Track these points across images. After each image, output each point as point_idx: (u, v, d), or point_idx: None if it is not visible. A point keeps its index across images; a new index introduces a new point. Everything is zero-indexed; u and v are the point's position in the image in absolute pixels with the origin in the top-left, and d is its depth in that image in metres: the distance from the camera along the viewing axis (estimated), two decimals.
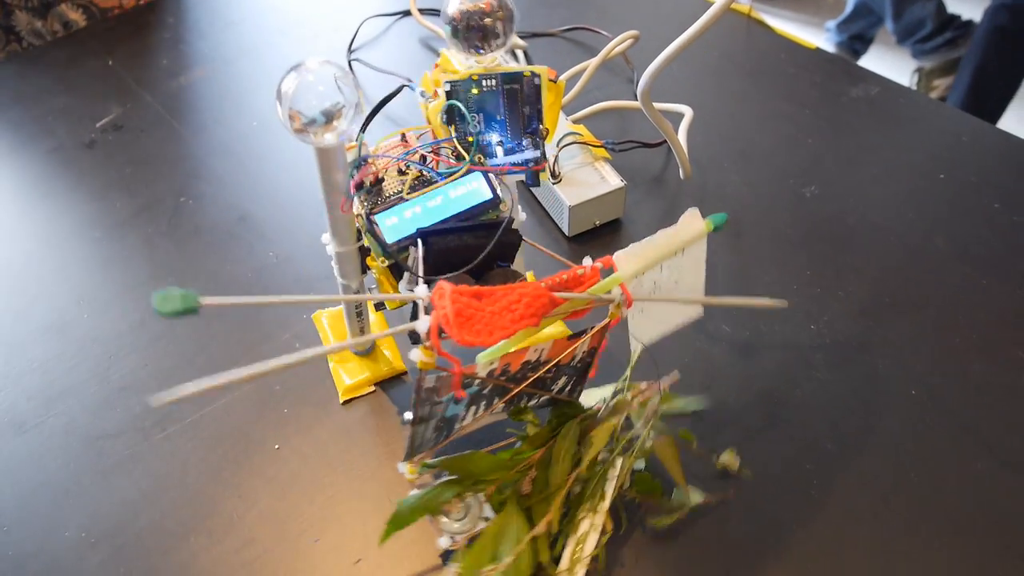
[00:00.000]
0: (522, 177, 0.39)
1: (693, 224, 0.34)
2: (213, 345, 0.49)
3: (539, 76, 0.37)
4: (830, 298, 0.50)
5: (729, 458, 0.41)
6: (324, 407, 0.45)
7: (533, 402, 0.39)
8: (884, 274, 0.51)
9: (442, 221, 0.36)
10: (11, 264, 0.55)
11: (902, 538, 0.38)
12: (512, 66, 0.38)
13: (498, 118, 0.38)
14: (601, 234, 0.55)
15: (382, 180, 0.37)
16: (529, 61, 0.70)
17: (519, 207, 0.39)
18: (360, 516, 0.40)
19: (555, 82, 0.45)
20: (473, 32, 0.36)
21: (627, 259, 0.33)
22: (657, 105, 0.64)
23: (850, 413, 0.44)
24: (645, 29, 0.68)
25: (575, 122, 0.60)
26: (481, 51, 0.37)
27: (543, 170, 0.39)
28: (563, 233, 0.55)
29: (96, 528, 0.40)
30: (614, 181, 0.53)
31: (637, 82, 0.66)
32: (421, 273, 0.34)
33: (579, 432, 0.38)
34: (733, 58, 0.71)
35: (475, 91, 0.37)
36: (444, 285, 0.28)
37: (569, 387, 0.39)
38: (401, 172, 0.38)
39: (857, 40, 1.80)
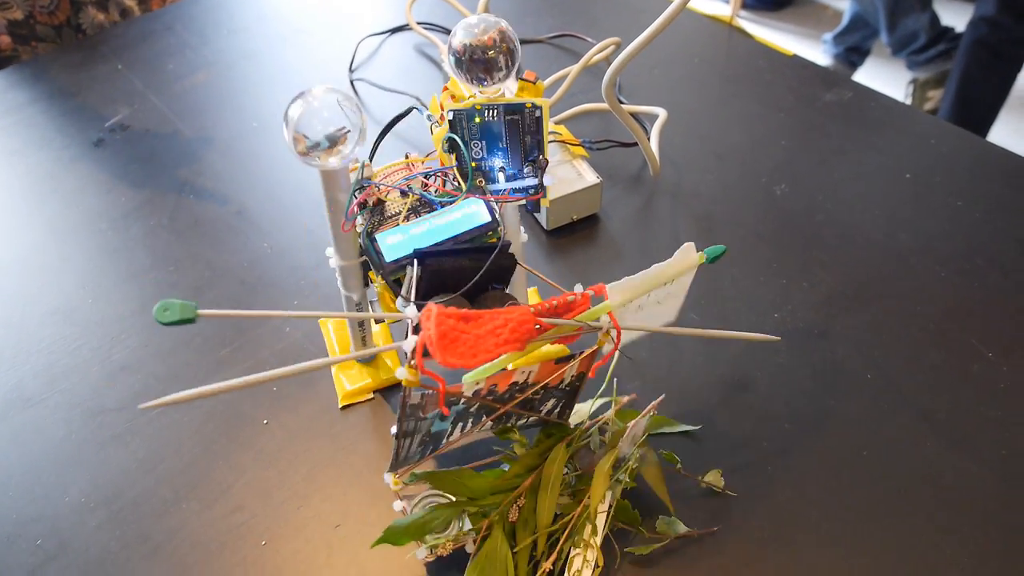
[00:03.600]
0: (523, 201, 0.40)
1: (687, 258, 0.36)
2: (209, 328, 0.52)
3: (540, 108, 0.38)
4: (794, 289, 0.52)
5: (714, 477, 0.41)
6: (312, 387, 0.48)
7: (522, 422, 0.39)
8: (847, 267, 0.54)
9: (440, 243, 0.37)
10: (22, 253, 0.58)
11: (851, 513, 0.41)
12: (514, 98, 0.39)
13: (500, 145, 0.39)
14: (578, 229, 0.58)
15: (385, 201, 0.39)
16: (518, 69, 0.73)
17: (521, 229, 0.41)
18: (341, 485, 0.43)
19: (534, 83, 0.49)
20: (476, 65, 0.37)
21: (618, 290, 0.34)
22: (633, 107, 0.67)
23: (808, 395, 0.46)
24: (629, 36, 0.71)
25: (556, 123, 0.63)
26: (484, 83, 0.38)
27: (542, 197, 0.40)
28: (542, 227, 0.57)
29: (95, 494, 0.43)
30: (591, 178, 0.56)
31: (618, 86, 0.69)
32: (413, 295, 0.35)
33: (567, 456, 0.39)
34: (713, 64, 0.74)
35: (478, 120, 0.38)
36: (432, 307, 0.29)
37: (558, 409, 0.40)
38: (403, 194, 0.39)
39: (853, 52, 1.83)
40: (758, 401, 0.46)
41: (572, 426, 0.41)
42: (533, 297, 0.51)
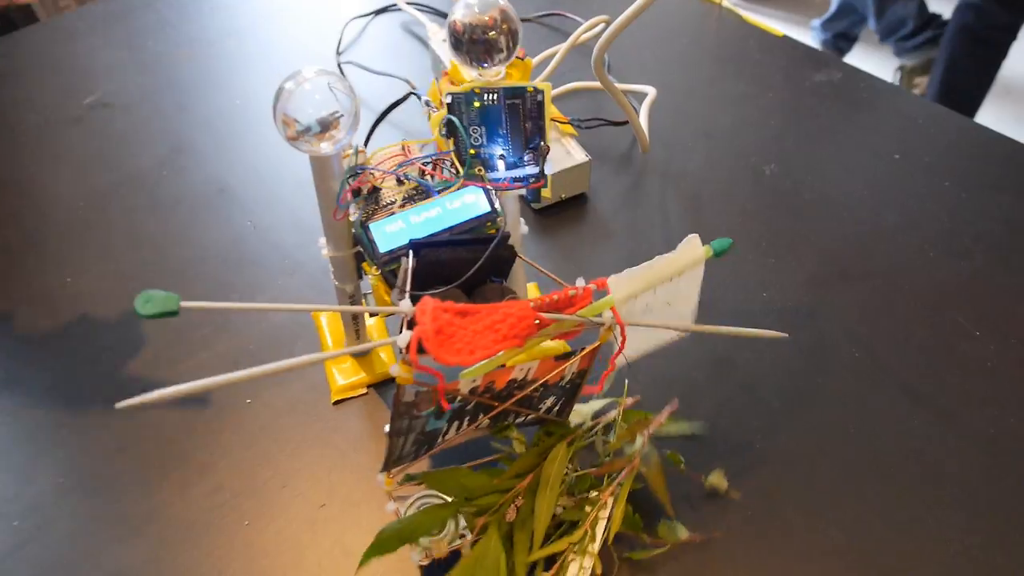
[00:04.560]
0: (523, 192, 0.39)
1: (692, 251, 0.34)
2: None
3: (542, 92, 0.36)
4: (783, 267, 0.52)
5: (718, 479, 0.40)
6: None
7: (520, 420, 0.38)
8: (835, 246, 0.53)
9: (437, 233, 0.36)
10: None
11: (837, 486, 0.40)
12: (514, 81, 0.37)
13: (500, 132, 0.37)
14: (567, 207, 0.57)
15: (379, 189, 0.37)
16: None
17: (521, 221, 0.40)
18: (325, 465, 0.42)
19: (523, 60, 0.48)
20: (476, 46, 0.35)
21: (621, 284, 0.32)
22: (622, 85, 0.66)
23: (795, 373, 0.46)
24: (618, 15, 0.70)
25: None
26: (485, 65, 0.36)
27: (543, 186, 0.38)
28: (530, 206, 0.57)
29: (73, 474, 0.42)
30: (579, 156, 0.55)
31: (607, 65, 0.69)
32: (409, 287, 0.33)
33: (567, 455, 0.37)
34: (703, 45, 0.74)
35: (477, 104, 0.37)
36: (428, 301, 0.28)
37: (557, 407, 0.38)
38: (399, 181, 0.37)
39: (842, 38, 1.83)
40: (745, 375, 0.45)
41: (573, 425, 0.39)
42: (533, 292, 0.49)
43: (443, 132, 0.37)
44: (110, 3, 0.81)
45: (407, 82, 0.67)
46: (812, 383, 0.45)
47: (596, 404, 0.41)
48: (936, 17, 1.67)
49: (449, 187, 0.37)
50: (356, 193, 0.36)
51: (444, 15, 0.76)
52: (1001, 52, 1.44)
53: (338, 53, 0.73)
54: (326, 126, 0.32)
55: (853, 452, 0.42)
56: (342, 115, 0.32)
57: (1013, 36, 1.41)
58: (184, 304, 0.25)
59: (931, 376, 0.45)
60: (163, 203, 0.59)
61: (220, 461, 0.43)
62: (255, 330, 0.49)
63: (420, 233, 0.36)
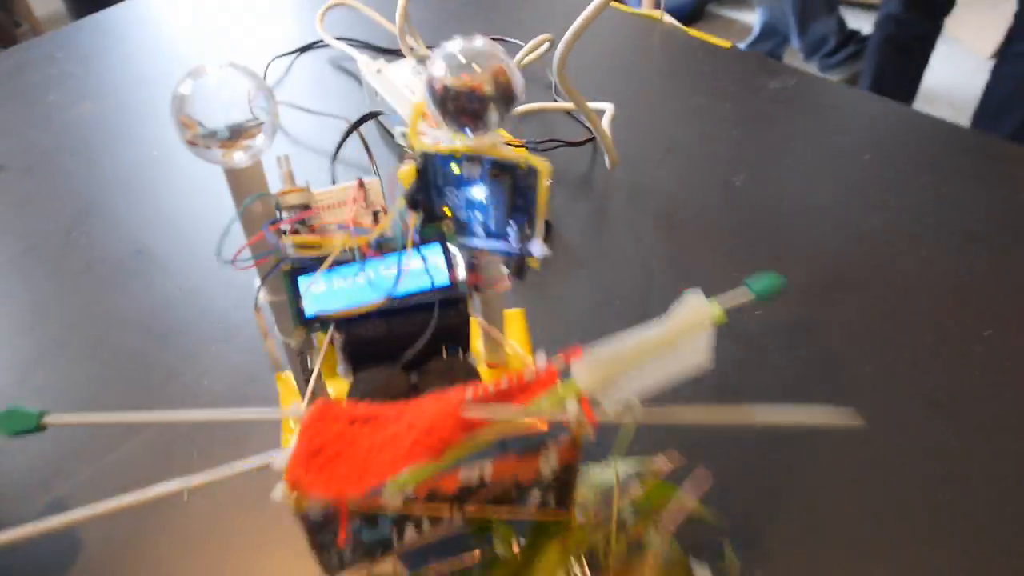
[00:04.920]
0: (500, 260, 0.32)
1: (695, 313, 0.24)
2: (110, 393, 0.43)
3: (537, 173, 0.28)
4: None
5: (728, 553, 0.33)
6: (247, 442, 0.40)
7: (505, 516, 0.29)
8: (822, 255, 0.50)
9: (380, 299, 0.28)
10: None
11: (879, 517, 0.36)
12: (507, 152, 0.28)
13: (481, 203, 0.30)
14: None
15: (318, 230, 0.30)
16: None
17: (506, 273, 0.32)
18: (288, 568, 0.35)
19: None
20: (463, 113, 0.28)
21: (592, 368, 0.23)
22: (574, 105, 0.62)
23: (810, 396, 0.41)
24: (558, 36, 0.67)
25: None
26: (468, 132, 0.28)
27: (525, 268, 0.31)
28: None
29: None
30: None
31: (554, 87, 0.65)
32: (341, 366, 0.27)
33: (566, 559, 0.29)
34: (650, 60, 0.71)
35: (457, 170, 0.30)
36: (318, 406, 0.22)
37: (553, 500, 0.28)
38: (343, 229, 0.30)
39: None
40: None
41: (578, 515, 0.30)
42: (517, 322, 0.41)
43: (404, 206, 0.30)
44: (4, 57, 0.73)
45: (344, 120, 0.62)
46: (829, 403, 0.41)
47: (607, 473, 0.32)
48: (856, 33, 1.72)
49: (402, 249, 0.29)
50: (294, 231, 0.29)
51: (375, 48, 0.72)
52: (923, 60, 1.47)
53: None
54: (238, 133, 0.25)
55: (881, 468, 0.37)
56: (261, 122, 0.26)
57: (932, 44, 1.45)
58: (48, 421, 0.21)
59: (949, 382, 0.41)
60: (71, 271, 0.51)
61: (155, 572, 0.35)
62: (195, 403, 0.42)
63: (358, 298, 0.28)
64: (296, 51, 0.73)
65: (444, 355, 0.30)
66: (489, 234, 0.31)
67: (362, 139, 0.54)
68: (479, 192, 0.30)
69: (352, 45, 0.71)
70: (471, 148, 0.28)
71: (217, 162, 0.26)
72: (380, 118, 0.60)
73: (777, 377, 0.42)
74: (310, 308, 0.28)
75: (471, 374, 0.29)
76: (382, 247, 0.29)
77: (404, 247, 0.29)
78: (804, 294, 0.47)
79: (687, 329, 0.24)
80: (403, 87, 0.58)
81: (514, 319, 0.42)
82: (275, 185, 0.29)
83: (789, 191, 0.55)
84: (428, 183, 0.30)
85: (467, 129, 0.28)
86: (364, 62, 0.63)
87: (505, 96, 0.27)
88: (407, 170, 0.30)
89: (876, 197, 0.54)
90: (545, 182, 0.28)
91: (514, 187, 0.29)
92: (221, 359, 0.45)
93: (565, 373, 0.24)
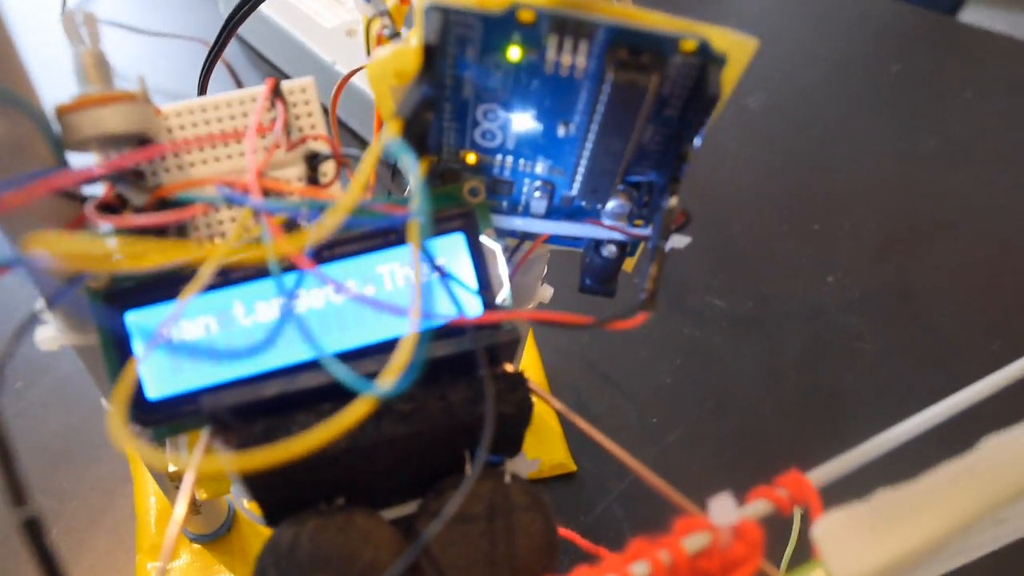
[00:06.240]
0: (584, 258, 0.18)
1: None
2: None
3: (722, 61, 0.14)
4: (838, 244, 0.39)
5: None
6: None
7: None
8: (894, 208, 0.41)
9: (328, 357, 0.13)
10: None
11: None
12: (651, 17, 0.13)
13: (566, 130, 0.15)
14: None
15: (175, 203, 0.14)
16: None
17: (543, 286, 0.21)
18: None
19: None
20: None
21: (852, 536, 0.11)
22: None
23: (917, 390, 0.32)
24: None
25: None
26: None
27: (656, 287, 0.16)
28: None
29: None
30: None
31: None
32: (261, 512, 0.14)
33: None
34: None
35: (518, 54, 0.14)
36: None
37: None
38: (231, 202, 0.15)
39: None
40: (859, 409, 0.31)
41: None
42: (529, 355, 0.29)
43: (414, 103, 0.14)
44: None
45: (201, 42, 0.43)
46: (934, 383, 0.32)
47: None
48: None
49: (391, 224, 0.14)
50: (105, 208, 0.13)
51: None
52: None
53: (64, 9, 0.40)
54: None
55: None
56: None
57: None
58: None
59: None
60: None
61: None
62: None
63: (276, 359, 0.14)
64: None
65: (467, 469, 0.14)
66: (555, 208, 0.16)
67: (229, 68, 0.39)
68: (572, 111, 0.14)
69: None
70: (563, 1, 0.13)
71: None
72: (246, 35, 0.43)
73: (878, 365, 0.33)
74: (158, 385, 0.14)
75: (544, 530, 0.14)
76: (335, 242, 0.14)
77: (397, 238, 0.14)
78: (880, 248, 0.38)
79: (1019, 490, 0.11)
80: None
81: (528, 368, 0.28)
82: (62, 88, 0.13)
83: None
84: (444, 96, 0.14)
85: None
86: None
87: None
88: (400, 53, 0.14)
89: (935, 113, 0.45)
90: (728, 87, 0.14)
91: (662, 101, 0.14)
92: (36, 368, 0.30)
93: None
